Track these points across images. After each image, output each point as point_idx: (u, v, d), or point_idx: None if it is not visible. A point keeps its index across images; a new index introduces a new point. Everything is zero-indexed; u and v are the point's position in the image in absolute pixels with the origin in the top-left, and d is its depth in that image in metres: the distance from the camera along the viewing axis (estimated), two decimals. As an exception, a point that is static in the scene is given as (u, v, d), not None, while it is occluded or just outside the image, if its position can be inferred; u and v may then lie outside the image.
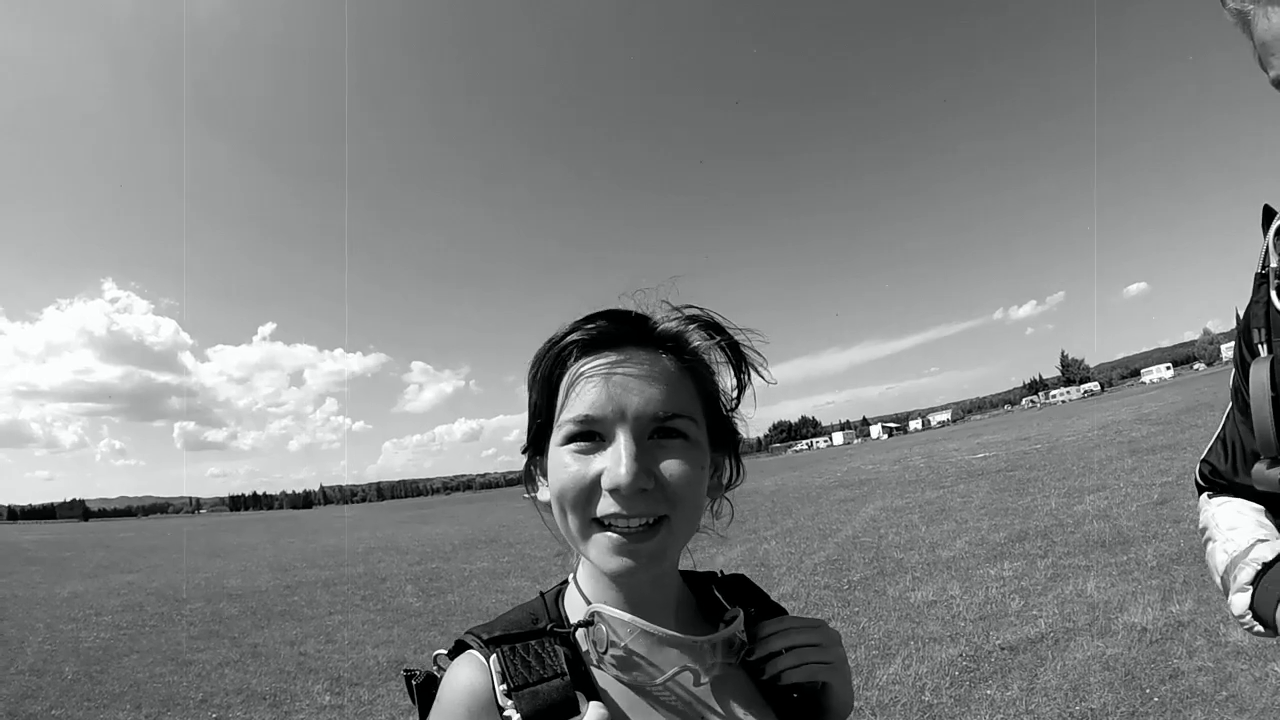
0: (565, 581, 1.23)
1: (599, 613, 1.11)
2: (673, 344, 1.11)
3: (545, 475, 1.12)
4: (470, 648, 1.09)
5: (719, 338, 1.14)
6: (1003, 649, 6.67)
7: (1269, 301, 1.62)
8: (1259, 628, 1.56)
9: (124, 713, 8.03)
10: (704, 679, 1.11)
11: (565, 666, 1.03)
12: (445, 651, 1.14)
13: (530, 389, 1.13)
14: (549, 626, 1.10)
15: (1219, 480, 1.84)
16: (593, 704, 0.98)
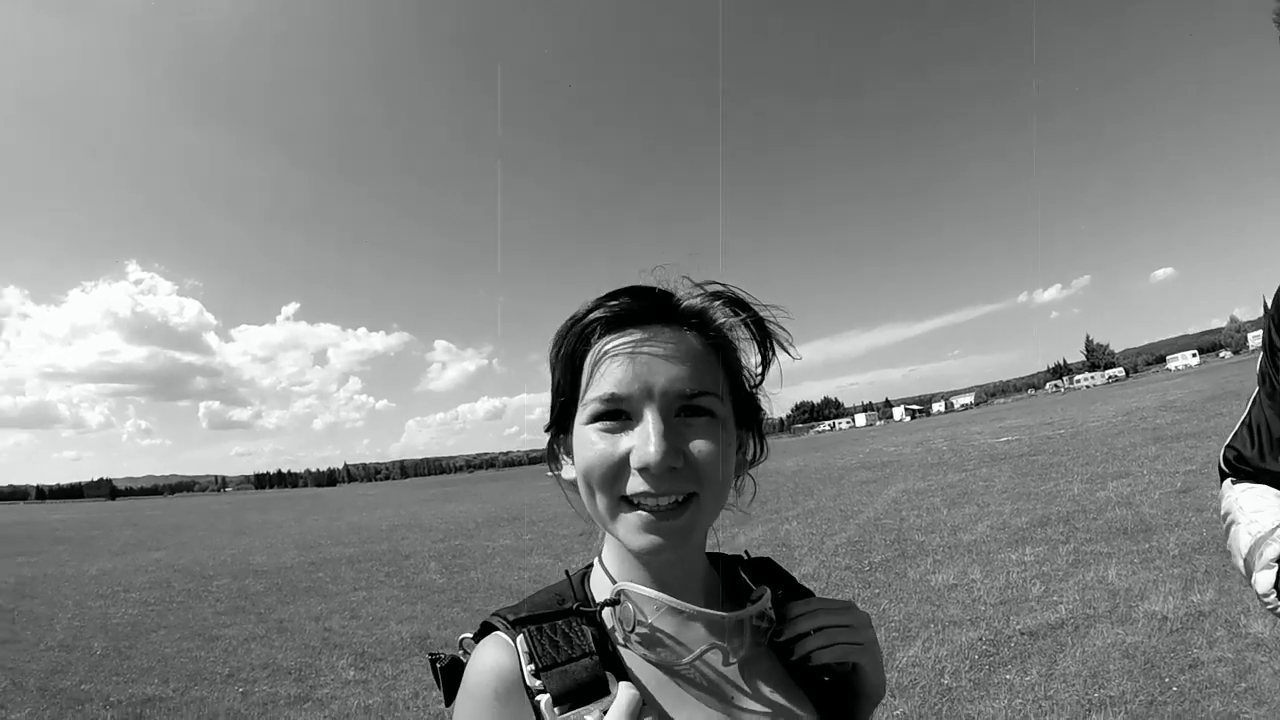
0: (591, 564, 1.22)
1: (625, 591, 1.10)
2: (697, 320, 1.10)
3: (570, 454, 1.12)
4: (496, 629, 1.08)
5: (744, 314, 1.13)
6: (1022, 634, 6.68)
7: None
8: None
9: (152, 686, 8.15)
10: (732, 659, 1.10)
11: (593, 646, 1.03)
12: (470, 635, 1.13)
13: (553, 367, 1.12)
14: (575, 606, 1.09)
15: (1244, 467, 1.83)
16: (623, 684, 0.97)
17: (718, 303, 1.12)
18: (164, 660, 9.31)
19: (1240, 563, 1.68)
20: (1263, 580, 1.58)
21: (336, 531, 29.12)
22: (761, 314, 1.15)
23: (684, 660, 1.08)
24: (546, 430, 1.17)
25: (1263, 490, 1.76)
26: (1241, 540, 1.69)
